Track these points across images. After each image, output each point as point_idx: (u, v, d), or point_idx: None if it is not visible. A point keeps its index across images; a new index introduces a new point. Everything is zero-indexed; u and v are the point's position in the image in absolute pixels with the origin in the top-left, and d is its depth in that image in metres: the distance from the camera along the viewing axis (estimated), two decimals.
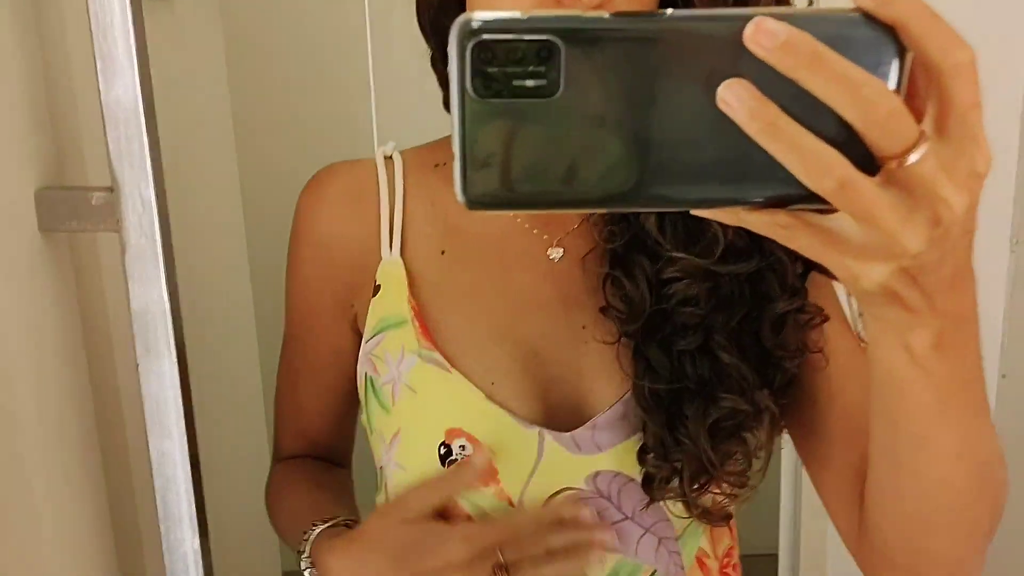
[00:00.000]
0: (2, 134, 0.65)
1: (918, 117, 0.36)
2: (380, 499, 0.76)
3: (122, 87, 0.64)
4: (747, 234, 0.57)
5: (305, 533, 0.74)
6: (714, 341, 0.66)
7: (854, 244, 0.38)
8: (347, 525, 0.74)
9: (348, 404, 0.82)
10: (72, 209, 0.69)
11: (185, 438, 0.70)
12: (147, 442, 0.70)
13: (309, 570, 0.72)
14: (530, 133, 0.36)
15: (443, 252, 0.74)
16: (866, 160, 0.36)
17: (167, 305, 0.68)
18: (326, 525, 0.73)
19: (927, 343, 0.43)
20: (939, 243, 0.38)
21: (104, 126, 0.65)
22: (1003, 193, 1.38)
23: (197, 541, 0.71)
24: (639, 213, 0.67)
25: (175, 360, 0.68)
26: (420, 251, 0.74)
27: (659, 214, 0.67)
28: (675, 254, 0.66)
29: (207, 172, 1.39)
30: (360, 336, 0.76)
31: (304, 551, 0.73)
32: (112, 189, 0.66)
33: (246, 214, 1.60)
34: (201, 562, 0.71)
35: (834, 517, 0.69)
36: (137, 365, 0.69)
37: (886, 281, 0.40)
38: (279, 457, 0.87)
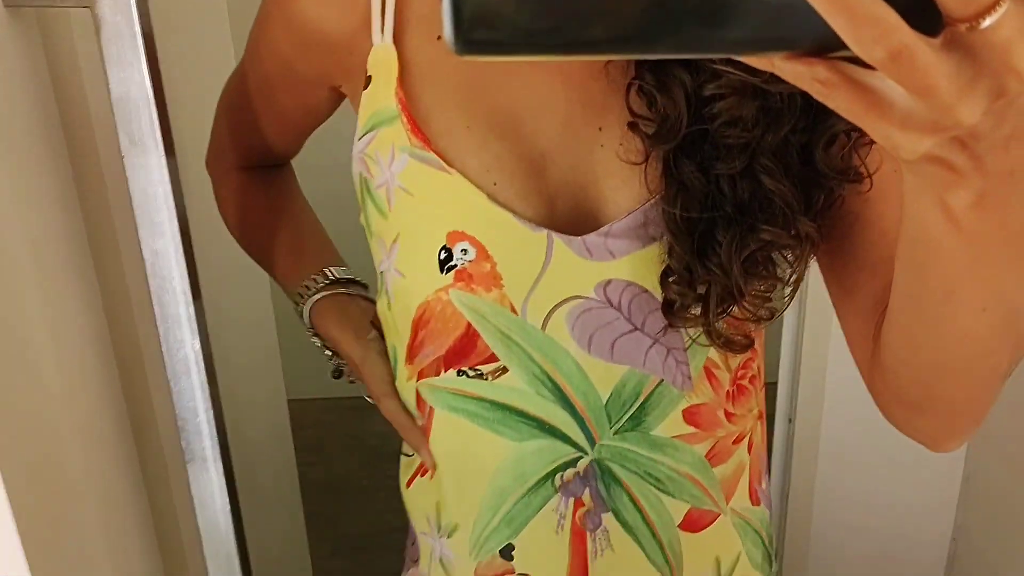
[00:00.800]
0: None
1: None
2: (382, 305, 0.74)
3: None
4: None
5: (301, 297, 0.81)
6: (758, 163, 0.60)
7: (900, 110, 0.33)
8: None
9: (306, 129, 0.82)
10: None
11: (179, 237, 0.66)
12: (139, 243, 0.66)
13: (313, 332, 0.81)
14: None
15: (440, 36, 0.66)
16: (927, 19, 0.30)
17: (150, 91, 0.62)
18: (319, 296, 0.81)
19: (967, 203, 0.39)
20: (999, 114, 0.33)
21: None
22: None
23: (197, 343, 0.68)
24: None
25: (163, 152, 0.63)
26: (414, 35, 0.66)
27: None
28: (720, 67, 0.58)
29: None
30: (341, 94, 0.72)
31: (304, 315, 0.81)
32: None
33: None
34: (203, 365, 0.69)
35: (851, 345, 0.66)
36: (122, 158, 0.64)
37: (931, 151, 0.35)
38: (223, 167, 0.87)
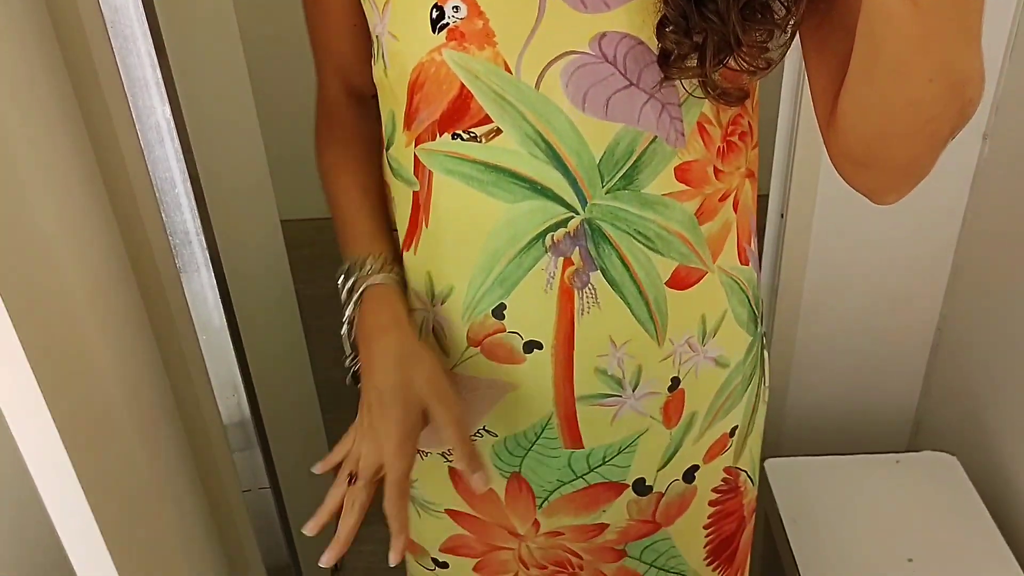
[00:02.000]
0: None
1: None
2: (378, 70, 0.73)
3: None
4: None
5: (347, 279, 0.78)
6: None
7: None
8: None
9: (361, 24, 0.76)
10: None
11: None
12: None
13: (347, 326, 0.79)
14: None
15: None
16: None
17: None
18: (354, 286, 0.77)
19: None
20: None
21: None
22: None
23: (168, 110, 0.66)
24: None
25: None
26: None
27: None
28: None
29: None
30: None
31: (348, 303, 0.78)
32: None
33: None
34: (175, 132, 0.67)
35: (815, 102, 0.67)
36: None
37: None
38: (322, 95, 0.85)
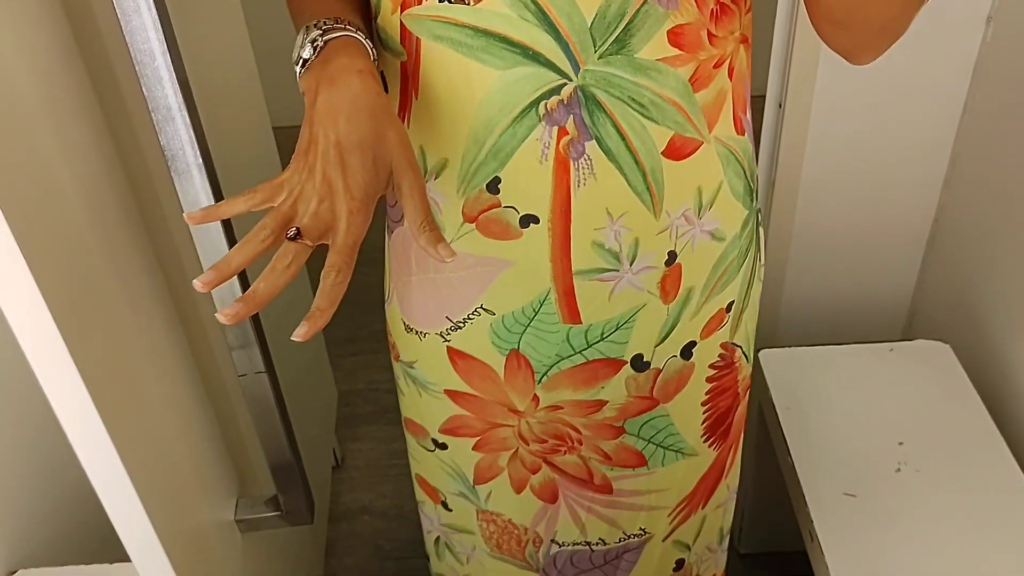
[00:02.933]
0: None
1: None
2: None
3: None
4: None
5: (307, 30, 0.67)
6: None
7: None
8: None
9: None
10: None
11: None
12: None
13: (300, 67, 0.67)
14: None
15: None
16: None
17: None
18: (322, 33, 0.66)
19: None
20: None
21: None
22: None
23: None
24: None
25: None
26: None
27: None
28: None
29: None
30: None
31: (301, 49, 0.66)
32: None
33: None
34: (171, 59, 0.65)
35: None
36: None
37: None
38: None
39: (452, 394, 0.91)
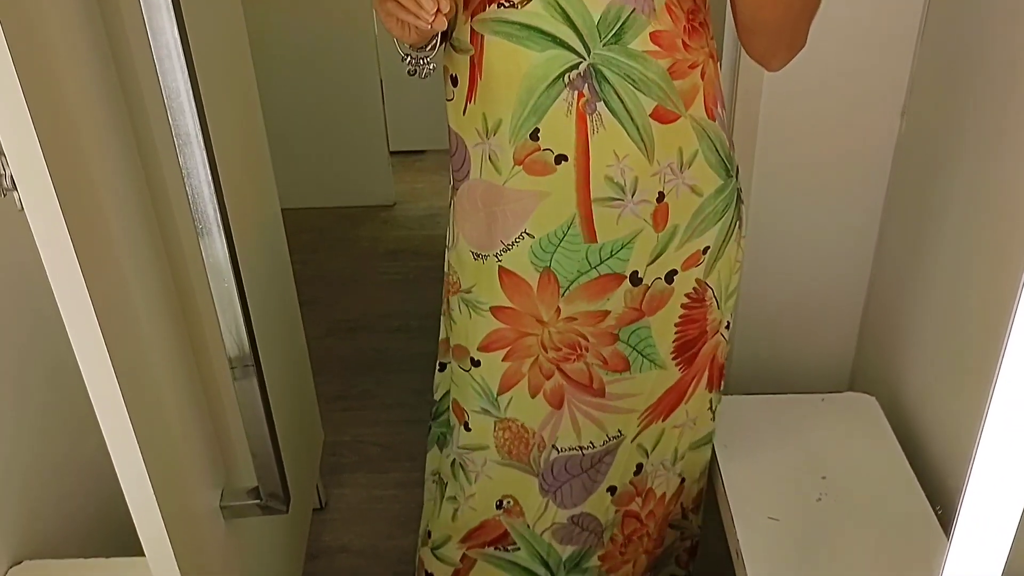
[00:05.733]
0: None
1: None
2: None
3: None
4: None
5: None
6: None
7: None
8: None
9: None
10: None
11: None
12: None
13: None
14: None
15: None
16: None
17: None
18: None
19: None
20: None
21: None
22: None
23: (176, 29, 0.83)
24: None
25: None
26: None
27: None
28: None
29: None
30: None
31: None
32: None
33: None
34: (182, 50, 0.85)
35: (730, 5, 1.01)
36: None
37: None
38: None
39: (496, 310, 1.18)
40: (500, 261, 1.14)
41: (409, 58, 1.03)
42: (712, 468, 1.48)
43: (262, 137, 1.72)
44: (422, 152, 3.51)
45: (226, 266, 1.09)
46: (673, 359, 1.24)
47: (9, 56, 0.67)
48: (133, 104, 1.00)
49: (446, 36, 1.07)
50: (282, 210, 1.85)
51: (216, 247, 1.05)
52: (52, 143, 0.74)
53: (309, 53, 2.93)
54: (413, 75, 1.04)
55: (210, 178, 0.92)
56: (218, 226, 1.00)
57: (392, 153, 3.23)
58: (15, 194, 0.74)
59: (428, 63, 1.04)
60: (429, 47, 1.03)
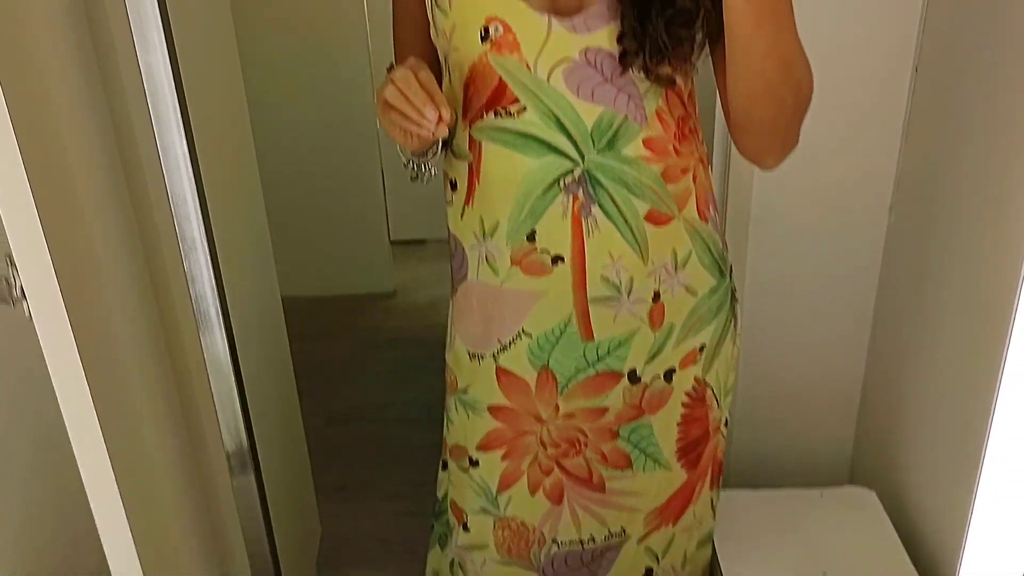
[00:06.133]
0: None
1: None
2: (446, 83, 1.06)
3: None
4: None
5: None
6: None
7: None
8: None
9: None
10: None
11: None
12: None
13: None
14: None
15: None
16: None
17: None
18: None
19: None
20: None
21: None
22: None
23: (185, 146, 0.87)
24: None
25: None
26: None
27: None
28: None
29: None
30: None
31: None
32: None
33: None
34: (190, 165, 0.88)
35: (722, 105, 1.02)
36: None
37: None
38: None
39: (493, 409, 1.18)
40: (497, 361, 1.15)
41: (411, 164, 1.07)
42: (712, 564, 1.46)
43: (264, 229, 1.76)
44: (423, 241, 3.56)
45: (226, 363, 1.11)
46: (678, 459, 1.23)
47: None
48: (139, 205, 1.03)
49: (446, 143, 1.11)
50: (282, 298, 1.87)
51: (217, 344, 1.07)
52: (63, 260, 0.76)
53: (311, 143, 3.01)
54: (415, 180, 1.08)
55: (214, 283, 0.95)
56: (219, 325, 1.03)
57: (393, 242, 3.28)
58: (24, 303, 0.76)
59: (429, 168, 1.07)
60: (430, 153, 1.06)
